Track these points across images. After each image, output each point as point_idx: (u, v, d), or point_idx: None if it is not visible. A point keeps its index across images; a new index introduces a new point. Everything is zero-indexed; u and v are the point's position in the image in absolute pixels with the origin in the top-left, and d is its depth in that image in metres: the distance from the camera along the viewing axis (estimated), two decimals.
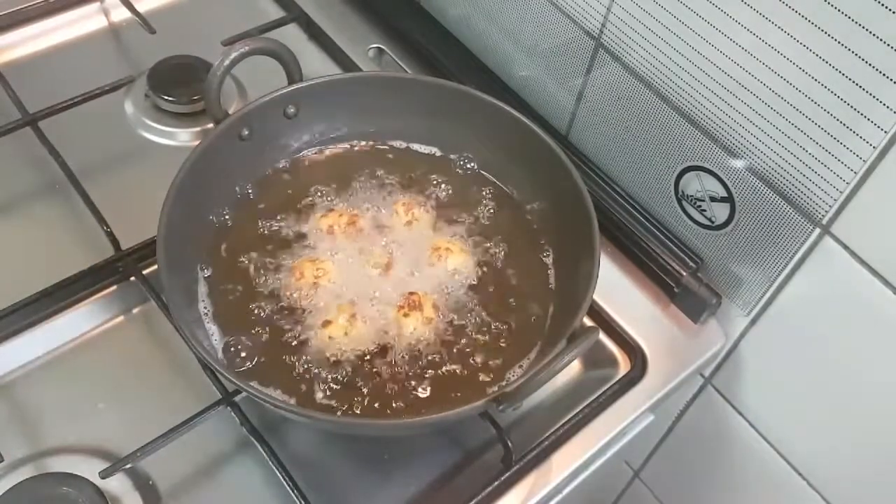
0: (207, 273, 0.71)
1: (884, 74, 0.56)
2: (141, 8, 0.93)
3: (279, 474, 0.65)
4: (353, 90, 0.79)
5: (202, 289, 0.70)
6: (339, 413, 0.64)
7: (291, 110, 0.77)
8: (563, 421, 0.71)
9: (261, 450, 0.66)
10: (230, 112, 0.74)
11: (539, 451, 0.68)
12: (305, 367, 0.66)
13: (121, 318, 0.76)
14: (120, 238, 0.75)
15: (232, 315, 0.69)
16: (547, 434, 0.69)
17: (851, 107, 0.59)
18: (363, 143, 0.81)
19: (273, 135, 0.77)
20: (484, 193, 0.79)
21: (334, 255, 0.72)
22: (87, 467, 0.65)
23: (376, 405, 0.65)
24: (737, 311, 0.77)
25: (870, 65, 0.57)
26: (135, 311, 0.76)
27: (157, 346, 0.74)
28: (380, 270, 0.72)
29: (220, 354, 0.66)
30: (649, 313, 0.78)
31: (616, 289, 0.79)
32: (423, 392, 0.66)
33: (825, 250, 0.67)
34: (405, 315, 0.68)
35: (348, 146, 0.81)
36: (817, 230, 0.67)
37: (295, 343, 0.68)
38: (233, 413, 0.67)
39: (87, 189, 0.78)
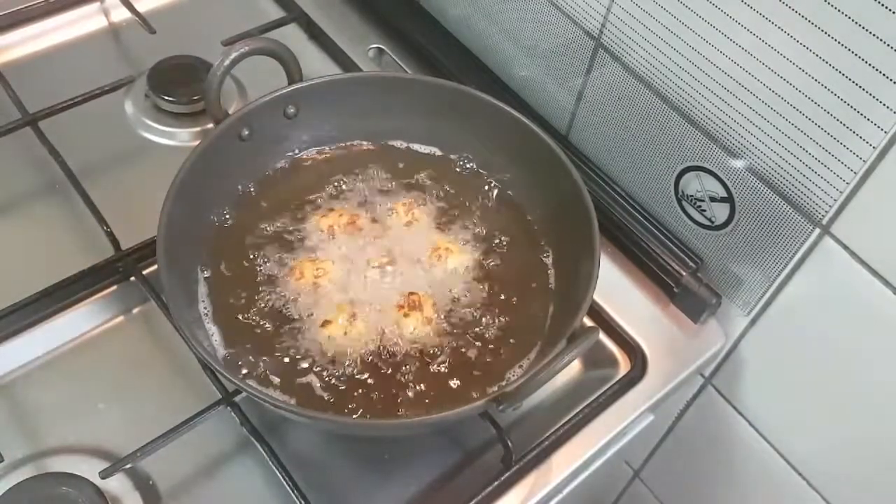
0: (207, 273, 0.71)
1: (884, 75, 0.56)
2: (141, 8, 0.93)
3: (279, 474, 0.65)
4: (353, 90, 0.79)
5: (202, 289, 0.70)
6: (339, 413, 0.64)
7: (291, 110, 0.77)
8: (563, 421, 0.71)
9: (261, 450, 0.66)
10: (230, 112, 0.74)
11: (539, 451, 0.68)
12: (305, 366, 0.66)
13: (121, 318, 0.76)
14: (120, 238, 0.75)
15: (232, 315, 0.69)
16: (547, 434, 0.69)
17: (851, 107, 0.59)
18: (363, 143, 0.81)
19: (273, 135, 0.77)
20: (484, 193, 0.79)
21: (334, 255, 0.72)
22: (87, 467, 0.65)
23: (376, 405, 0.65)
24: (737, 311, 0.77)
25: (870, 65, 0.57)
26: (135, 311, 0.76)
27: (157, 346, 0.74)
28: (380, 270, 0.72)
29: (219, 354, 0.66)
30: (649, 313, 0.78)
31: (616, 289, 0.79)
32: (423, 392, 0.66)
33: (825, 250, 0.67)
34: (405, 315, 0.68)
35: (348, 146, 0.81)
36: (817, 230, 0.67)
37: (295, 343, 0.68)
38: (233, 413, 0.67)
39: (87, 189, 0.78)
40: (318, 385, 0.66)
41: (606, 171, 0.83)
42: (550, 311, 0.71)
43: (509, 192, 0.79)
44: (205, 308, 0.69)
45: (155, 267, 0.68)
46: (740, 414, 0.84)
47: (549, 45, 0.82)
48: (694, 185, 0.74)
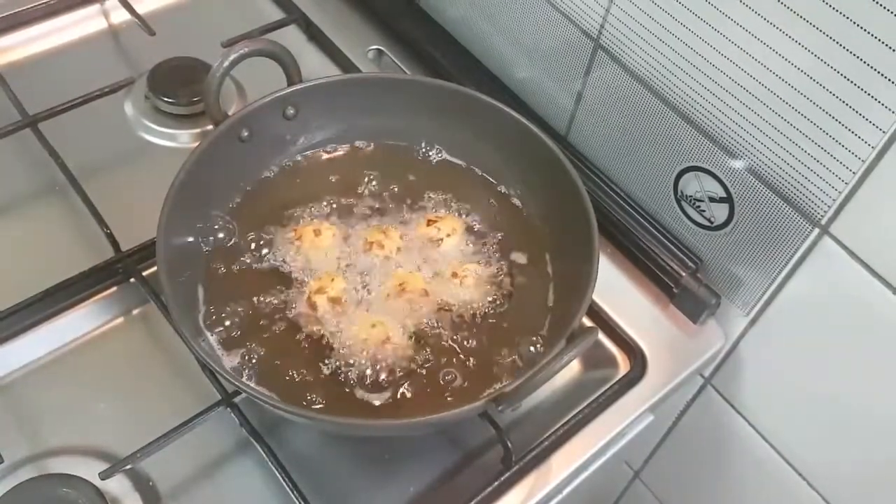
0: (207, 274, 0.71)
1: (882, 75, 0.56)
2: (141, 10, 0.93)
3: (279, 475, 0.65)
4: (352, 91, 0.79)
5: (202, 290, 0.70)
6: (338, 413, 0.64)
7: (291, 112, 0.77)
8: (563, 421, 0.71)
9: (260, 450, 0.66)
10: (230, 113, 0.74)
11: (539, 451, 0.68)
12: (305, 366, 0.66)
13: (121, 319, 0.76)
14: (120, 239, 0.75)
15: (232, 316, 0.69)
16: (547, 434, 0.69)
17: (850, 107, 0.59)
18: (363, 144, 0.81)
19: (272, 136, 0.77)
20: (483, 193, 0.79)
21: (332, 256, 0.72)
22: (86, 468, 0.65)
23: (376, 404, 0.65)
24: (736, 311, 0.77)
25: (868, 65, 0.57)
26: (135, 312, 0.76)
27: (157, 346, 0.74)
28: (380, 270, 0.72)
29: (219, 355, 0.66)
30: (649, 313, 0.78)
31: (615, 289, 0.79)
32: (422, 392, 0.66)
33: (824, 250, 0.67)
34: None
35: (348, 147, 0.81)
36: (816, 230, 0.67)
37: (295, 344, 0.68)
38: (232, 414, 0.67)
39: (86, 190, 0.78)
40: (319, 385, 0.66)
41: (606, 171, 0.83)
42: (549, 311, 0.71)
43: (508, 193, 0.79)
44: (205, 309, 0.69)
45: (155, 268, 0.68)
46: (740, 414, 0.84)
47: (549, 45, 0.82)
48: (693, 185, 0.75)
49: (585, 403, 0.72)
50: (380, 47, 0.96)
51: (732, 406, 0.84)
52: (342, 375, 0.66)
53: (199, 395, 0.69)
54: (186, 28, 0.97)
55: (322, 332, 0.68)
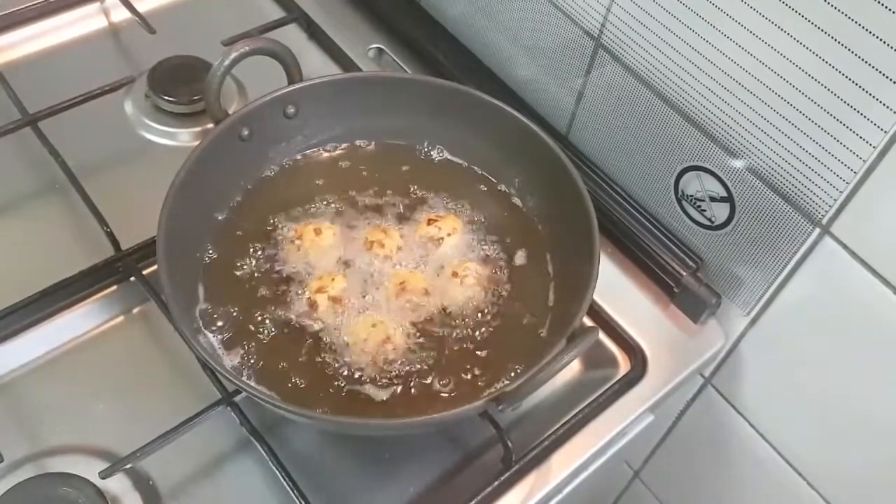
0: (207, 274, 0.71)
1: (883, 74, 0.56)
2: (141, 8, 0.93)
3: (279, 474, 0.65)
4: (353, 90, 0.79)
5: (202, 289, 0.70)
6: (339, 413, 0.64)
7: (291, 110, 0.77)
8: (563, 421, 0.71)
9: (261, 450, 0.66)
10: (230, 112, 0.74)
11: (539, 451, 0.68)
12: (306, 365, 0.66)
13: (121, 318, 0.76)
14: (120, 238, 0.75)
15: (232, 315, 0.69)
16: (547, 434, 0.69)
17: (851, 107, 0.59)
18: (363, 142, 0.81)
19: (273, 135, 0.77)
20: (484, 192, 0.79)
21: (334, 255, 0.72)
22: (87, 467, 0.65)
23: (376, 404, 0.65)
24: (737, 311, 0.77)
25: (870, 65, 0.57)
26: (135, 311, 0.76)
27: (157, 346, 0.74)
28: (380, 270, 0.72)
29: (219, 354, 0.66)
30: (649, 313, 0.78)
31: (616, 289, 0.79)
32: (422, 392, 0.66)
33: (825, 250, 0.67)
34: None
35: (348, 146, 0.81)
36: (817, 230, 0.67)
37: (295, 343, 0.68)
38: (233, 413, 0.67)
39: (87, 189, 0.78)
40: (319, 385, 0.65)
41: (606, 170, 0.83)
42: (550, 311, 0.71)
43: (509, 192, 0.79)
44: (205, 308, 0.69)
45: (155, 267, 0.68)
46: (740, 414, 0.84)
47: (549, 44, 0.82)
48: (694, 184, 0.74)
49: (585, 403, 0.72)
50: (380, 46, 0.96)
51: (732, 406, 0.84)
52: (342, 375, 0.66)
53: (199, 394, 0.69)
54: (187, 26, 0.97)
55: (322, 331, 0.68)
